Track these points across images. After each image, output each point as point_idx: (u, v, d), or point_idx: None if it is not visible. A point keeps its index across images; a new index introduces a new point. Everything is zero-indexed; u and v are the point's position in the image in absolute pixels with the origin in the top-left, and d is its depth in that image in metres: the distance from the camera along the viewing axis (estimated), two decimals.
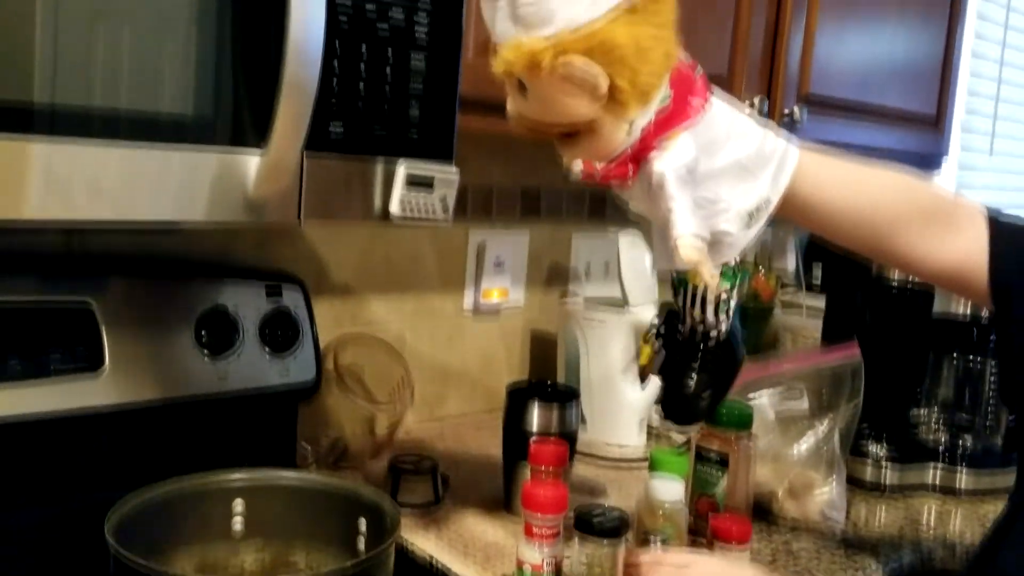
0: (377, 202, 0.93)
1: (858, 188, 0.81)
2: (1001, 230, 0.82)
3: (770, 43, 1.44)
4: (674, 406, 0.98)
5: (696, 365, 0.94)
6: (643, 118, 0.70)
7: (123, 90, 0.76)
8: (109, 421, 1.01)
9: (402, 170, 0.92)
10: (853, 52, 1.59)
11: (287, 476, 0.92)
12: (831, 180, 0.80)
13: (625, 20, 0.65)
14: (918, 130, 1.77)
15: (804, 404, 1.23)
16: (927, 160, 1.87)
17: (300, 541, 0.90)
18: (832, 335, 1.40)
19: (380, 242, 1.42)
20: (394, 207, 0.93)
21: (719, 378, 0.96)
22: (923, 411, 1.38)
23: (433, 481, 1.16)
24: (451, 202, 0.97)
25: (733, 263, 0.83)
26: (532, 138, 0.73)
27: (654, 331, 1.01)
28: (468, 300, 1.56)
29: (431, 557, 1.01)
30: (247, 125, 0.82)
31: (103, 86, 0.74)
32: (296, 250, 1.31)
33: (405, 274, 1.46)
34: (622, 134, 0.70)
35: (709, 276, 0.71)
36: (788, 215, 0.79)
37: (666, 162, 0.70)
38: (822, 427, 1.21)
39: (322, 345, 1.24)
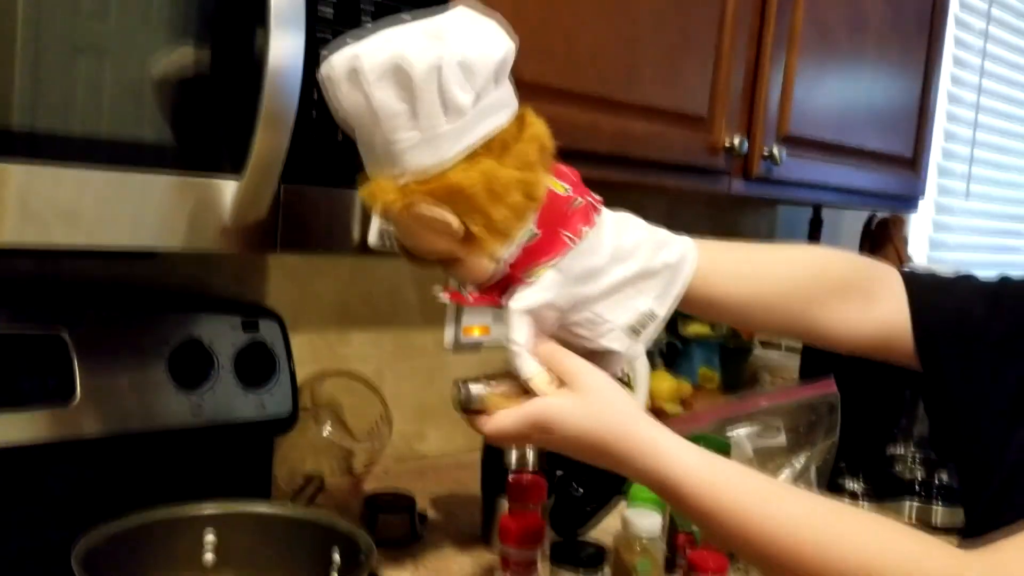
0: (355, 233, 0.94)
1: (763, 275, 0.80)
2: (918, 286, 0.82)
3: (750, 83, 1.46)
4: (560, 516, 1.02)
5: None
6: (507, 253, 0.69)
7: (102, 116, 0.76)
8: (81, 451, 0.99)
9: None
10: (832, 93, 1.61)
11: (259, 507, 0.91)
12: (733, 273, 0.79)
13: (480, 164, 0.65)
14: (895, 171, 1.80)
15: (782, 439, 1.23)
16: (903, 201, 1.90)
17: (273, 573, 0.89)
18: (809, 372, 1.40)
19: (360, 277, 1.42)
20: (372, 238, 0.93)
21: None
22: (899, 448, 1.38)
23: (410, 517, 1.15)
24: None
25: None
26: (414, 264, 0.74)
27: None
28: (449, 336, 1.55)
29: None
30: (225, 153, 0.83)
31: (82, 112, 0.75)
32: (274, 283, 1.31)
33: (385, 310, 1.46)
34: (487, 267, 0.69)
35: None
36: (699, 313, 0.80)
37: (517, 301, 0.70)
38: (799, 462, 1.21)
39: (299, 380, 1.23)
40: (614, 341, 0.73)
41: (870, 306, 0.81)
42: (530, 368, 0.69)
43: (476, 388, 0.70)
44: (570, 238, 0.70)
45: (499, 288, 0.71)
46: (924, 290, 0.82)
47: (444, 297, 0.73)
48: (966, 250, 2.83)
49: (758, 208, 2.17)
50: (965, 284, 0.83)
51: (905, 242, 2.17)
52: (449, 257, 0.70)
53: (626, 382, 0.83)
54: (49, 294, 1.09)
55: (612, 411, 0.67)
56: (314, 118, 0.88)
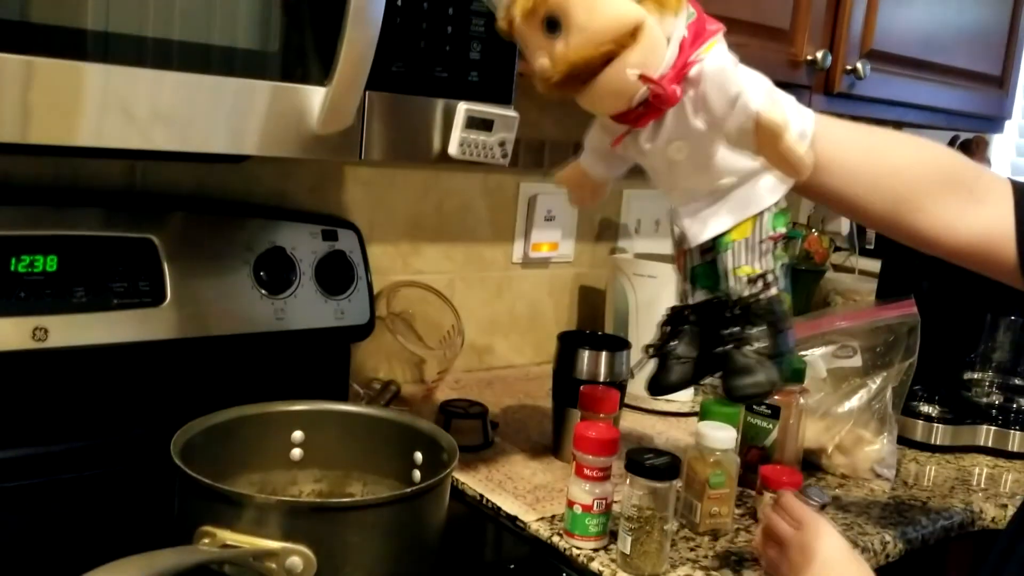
0: (436, 143, 0.94)
1: (876, 151, 0.78)
2: None
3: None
4: (732, 382, 0.76)
5: (752, 331, 0.74)
6: (678, 28, 0.68)
7: (184, 21, 0.77)
8: (171, 352, 1.03)
9: (463, 111, 0.92)
10: (919, 7, 1.55)
11: (346, 408, 0.94)
12: (847, 142, 0.77)
13: None
14: (982, 91, 1.73)
15: (857, 361, 1.22)
16: (989, 122, 1.83)
17: (357, 472, 0.92)
18: (887, 294, 1.38)
19: (432, 191, 1.42)
20: (453, 148, 0.93)
21: (780, 333, 0.76)
22: (977, 373, 1.36)
23: (483, 425, 1.17)
24: (510, 145, 0.97)
25: (784, 204, 0.75)
26: (565, 88, 0.69)
27: (650, 349, 0.81)
28: (518, 252, 1.56)
29: (481, 496, 1.02)
30: (312, 61, 0.83)
31: (155, 15, 0.75)
32: (349, 196, 1.33)
33: (456, 224, 1.47)
34: (662, 42, 0.67)
35: (797, 147, 0.69)
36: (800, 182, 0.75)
37: (714, 60, 0.68)
38: (875, 384, 1.20)
39: (375, 291, 1.25)
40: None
41: (973, 207, 0.78)
42: (757, 97, 0.69)
43: None
44: (717, 25, 0.70)
45: (673, 80, 0.68)
46: None
47: (632, 75, 0.67)
48: None
49: None
50: None
51: (988, 165, 2.10)
52: (622, 49, 0.66)
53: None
54: (138, 200, 1.12)
55: None
56: (398, 25, 0.87)
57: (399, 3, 0.86)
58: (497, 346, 1.56)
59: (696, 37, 0.69)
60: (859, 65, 1.43)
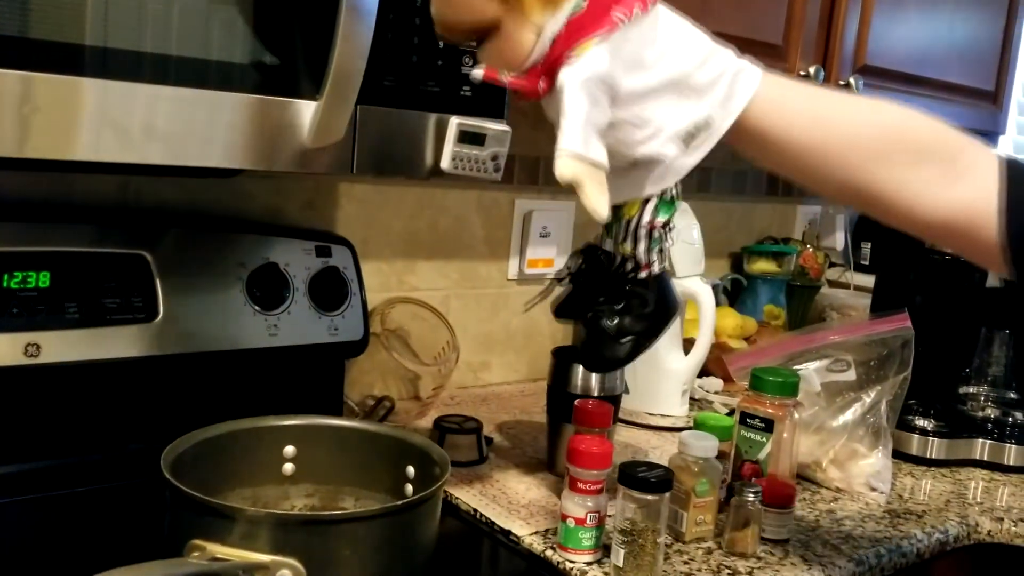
0: (428, 158, 0.94)
1: (834, 116, 0.71)
2: (1019, 175, 0.70)
3: (827, 14, 1.43)
4: (589, 349, 0.84)
5: (618, 308, 0.80)
6: (552, 24, 0.65)
7: (181, 37, 0.77)
8: (164, 368, 1.03)
9: (455, 125, 0.92)
10: (912, 23, 1.56)
11: (338, 422, 0.93)
12: (800, 108, 0.70)
13: None
14: (975, 106, 1.74)
15: (851, 375, 1.21)
16: (983, 136, 1.82)
17: (349, 487, 0.92)
18: (882, 307, 1.38)
19: (426, 208, 1.43)
20: (445, 162, 0.94)
21: (644, 324, 0.81)
22: (973, 388, 1.36)
23: (477, 440, 1.17)
24: (502, 160, 0.98)
25: (672, 194, 0.75)
26: (450, 41, 0.72)
27: (567, 270, 0.85)
28: (513, 268, 1.56)
29: (475, 510, 1.02)
30: (303, 75, 0.83)
31: (153, 32, 0.76)
32: (343, 213, 1.33)
33: (451, 241, 1.47)
34: (529, 40, 0.65)
35: (593, 201, 0.66)
36: (751, 153, 0.72)
37: (568, 72, 0.65)
38: (869, 398, 1.20)
39: (369, 306, 1.25)
40: (662, 145, 0.68)
41: (952, 180, 0.70)
42: (569, 140, 0.65)
43: None
44: (621, 17, 0.65)
45: (542, 73, 0.66)
46: None
47: (477, 73, 0.68)
48: None
49: None
50: None
51: None
52: (487, 26, 0.66)
53: None
54: (131, 216, 1.12)
55: None
56: (389, 40, 0.88)
57: (391, 17, 0.87)
58: (492, 363, 1.56)
59: (572, 34, 0.65)
60: (852, 80, 1.44)
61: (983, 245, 0.70)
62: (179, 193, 1.16)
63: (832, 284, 1.96)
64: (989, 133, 1.83)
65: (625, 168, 0.71)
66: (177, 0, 0.77)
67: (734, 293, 1.86)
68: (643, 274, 0.79)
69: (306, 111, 0.84)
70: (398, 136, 0.92)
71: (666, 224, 0.77)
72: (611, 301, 0.81)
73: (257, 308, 1.10)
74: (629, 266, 0.79)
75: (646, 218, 0.76)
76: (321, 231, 1.25)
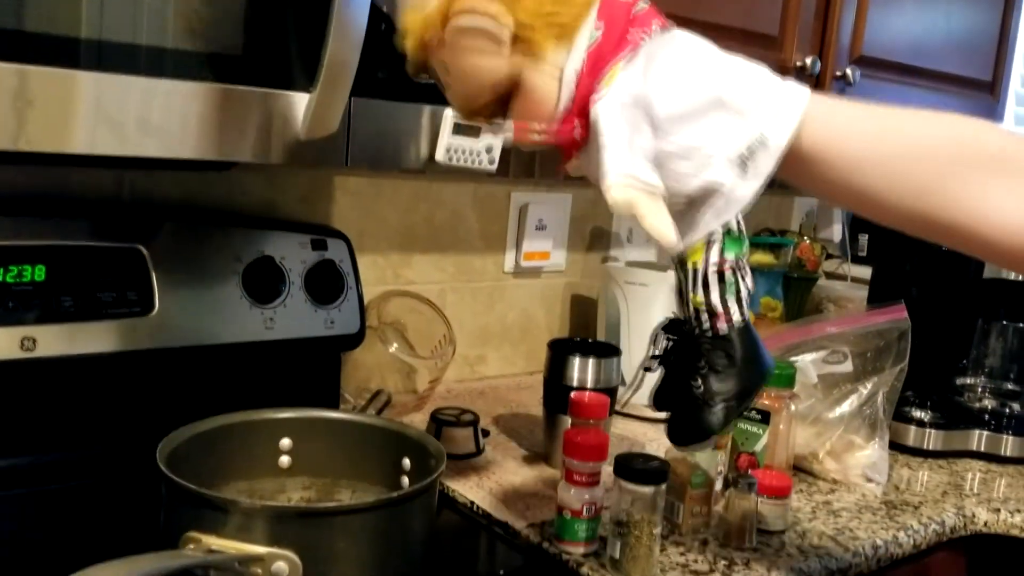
0: (423, 150, 0.94)
1: (891, 131, 0.63)
2: None
3: (823, 4, 1.43)
4: (678, 420, 0.72)
5: (702, 364, 0.69)
6: (572, 61, 0.61)
7: (170, 27, 0.77)
8: (159, 362, 1.03)
9: (449, 116, 0.92)
10: (909, 13, 1.56)
11: (334, 415, 0.93)
12: (854, 126, 0.63)
13: None
14: (972, 97, 1.74)
15: (848, 367, 1.21)
16: None
17: (345, 480, 0.92)
18: (878, 299, 1.38)
19: (422, 202, 1.43)
20: (440, 154, 0.93)
21: (733, 384, 0.68)
22: (970, 379, 1.36)
23: (474, 433, 1.17)
24: (497, 152, 0.98)
25: (737, 228, 0.66)
26: (481, 123, 0.67)
27: (654, 353, 0.74)
28: (509, 261, 1.56)
29: (472, 503, 1.02)
30: (296, 67, 0.83)
31: (148, 23, 0.75)
32: (338, 206, 1.33)
33: (447, 234, 1.47)
34: (552, 86, 0.61)
35: (657, 223, 0.60)
36: (800, 173, 0.63)
37: (601, 105, 0.60)
38: (865, 389, 1.20)
39: (365, 300, 1.25)
40: (717, 172, 0.61)
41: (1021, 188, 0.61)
42: (616, 164, 0.60)
43: None
44: (642, 36, 0.61)
45: (576, 116, 0.62)
46: None
47: (507, 132, 0.63)
48: None
49: None
50: None
51: None
52: (507, 89, 0.61)
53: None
54: (126, 210, 1.12)
55: None
56: (383, 31, 0.88)
57: (384, 9, 0.87)
58: (489, 356, 1.56)
59: (594, 66, 0.61)
60: (849, 71, 1.43)
61: None
62: (174, 187, 1.16)
63: (829, 276, 1.96)
64: None
65: (682, 210, 0.64)
66: None
67: None
68: (721, 325, 0.67)
69: (299, 103, 0.83)
70: (392, 128, 0.92)
71: (737, 263, 0.67)
72: (692, 360, 0.69)
73: (253, 301, 1.09)
74: (704, 319, 0.68)
75: (713, 259, 0.66)
76: (317, 224, 1.25)
